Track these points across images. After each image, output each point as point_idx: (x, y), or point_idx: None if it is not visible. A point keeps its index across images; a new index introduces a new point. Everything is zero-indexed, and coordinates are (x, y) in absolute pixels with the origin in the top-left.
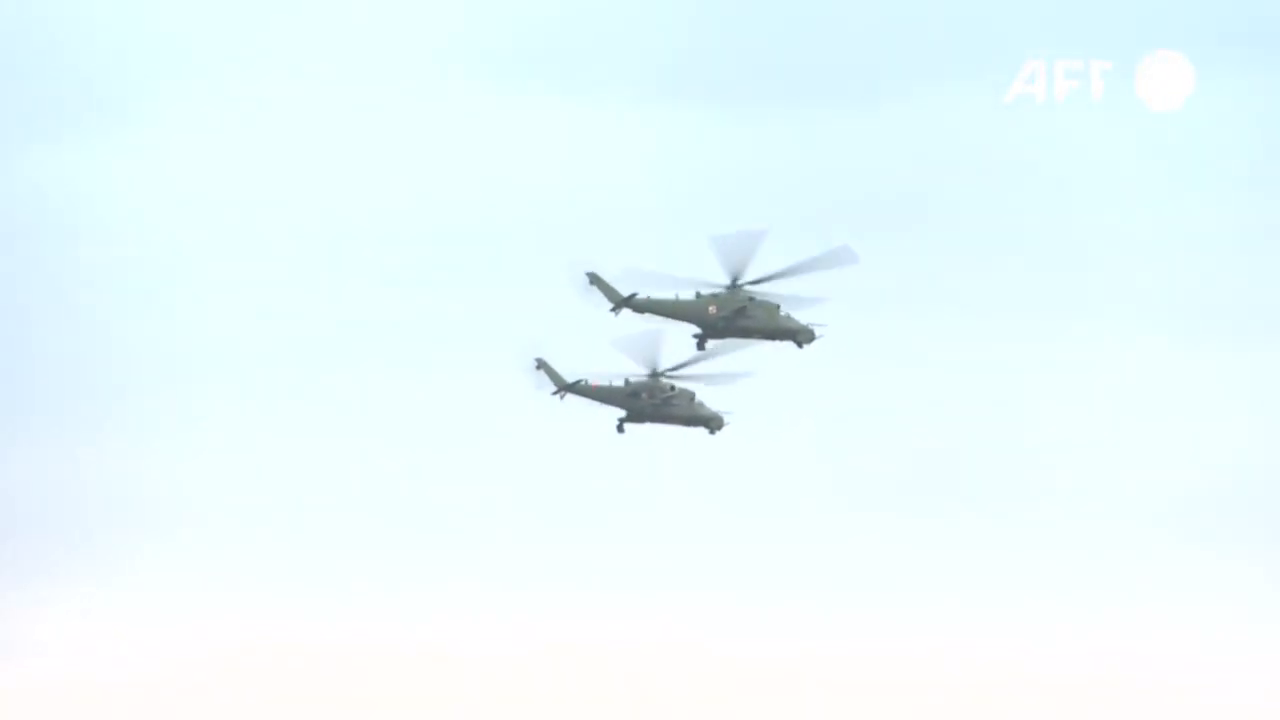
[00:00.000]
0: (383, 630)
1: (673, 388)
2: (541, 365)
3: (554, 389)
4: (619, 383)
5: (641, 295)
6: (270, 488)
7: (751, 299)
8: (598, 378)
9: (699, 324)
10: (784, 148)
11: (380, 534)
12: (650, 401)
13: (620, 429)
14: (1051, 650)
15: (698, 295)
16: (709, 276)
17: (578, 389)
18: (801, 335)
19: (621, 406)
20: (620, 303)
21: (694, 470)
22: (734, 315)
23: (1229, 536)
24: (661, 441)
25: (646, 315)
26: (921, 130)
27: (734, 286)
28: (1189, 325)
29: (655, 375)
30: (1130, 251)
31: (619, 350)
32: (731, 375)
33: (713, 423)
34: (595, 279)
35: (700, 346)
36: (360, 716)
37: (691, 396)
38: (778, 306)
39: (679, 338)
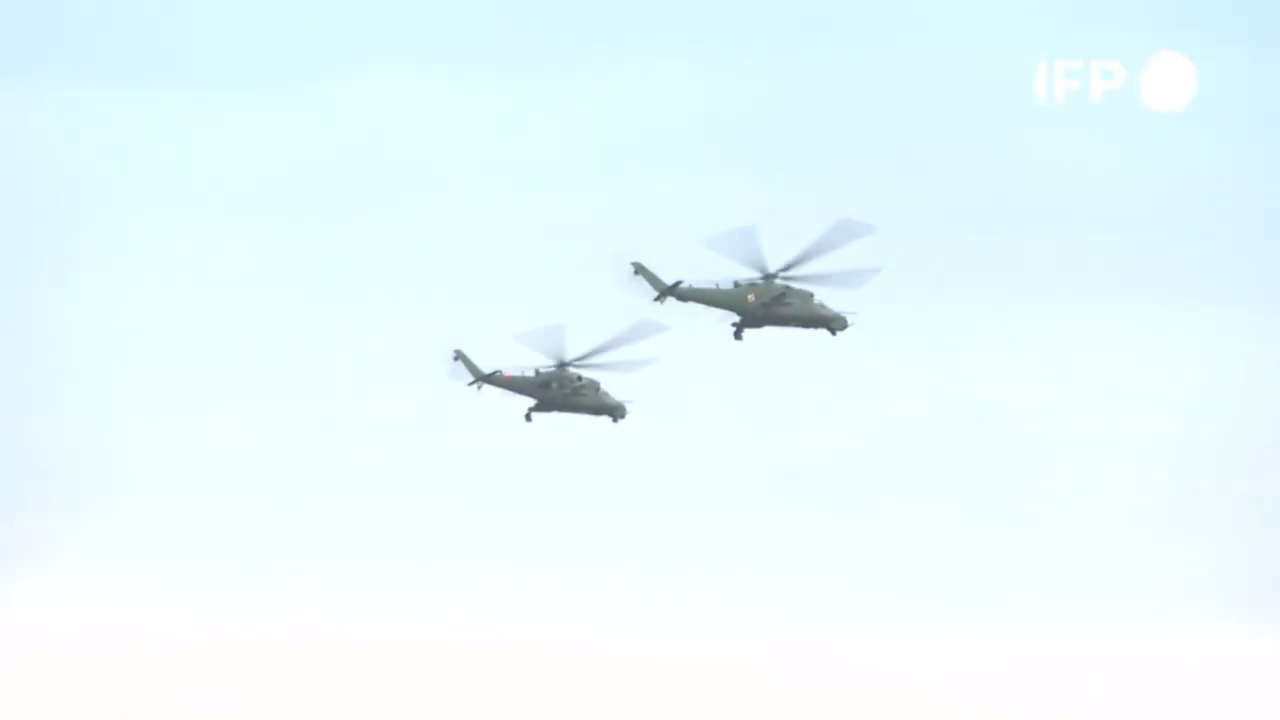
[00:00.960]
0: (294, 619)
1: (580, 378)
2: (459, 357)
3: (471, 379)
4: (530, 373)
5: (684, 284)
6: (176, 479)
7: (788, 287)
8: (511, 369)
9: (739, 312)
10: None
11: (302, 520)
12: (560, 391)
13: (528, 418)
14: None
15: (735, 285)
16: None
17: (493, 380)
18: (835, 323)
19: (533, 396)
20: (665, 291)
21: (602, 457)
22: (772, 303)
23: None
24: (570, 429)
25: (689, 304)
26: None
27: (768, 277)
28: (1185, 326)
29: (563, 366)
30: (1127, 253)
31: (521, 342)
32: (634, 364)
33: (617, 411)
34: (640, 268)
35: (737, 336)
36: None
37: (597, 386)
38: (812, 295)
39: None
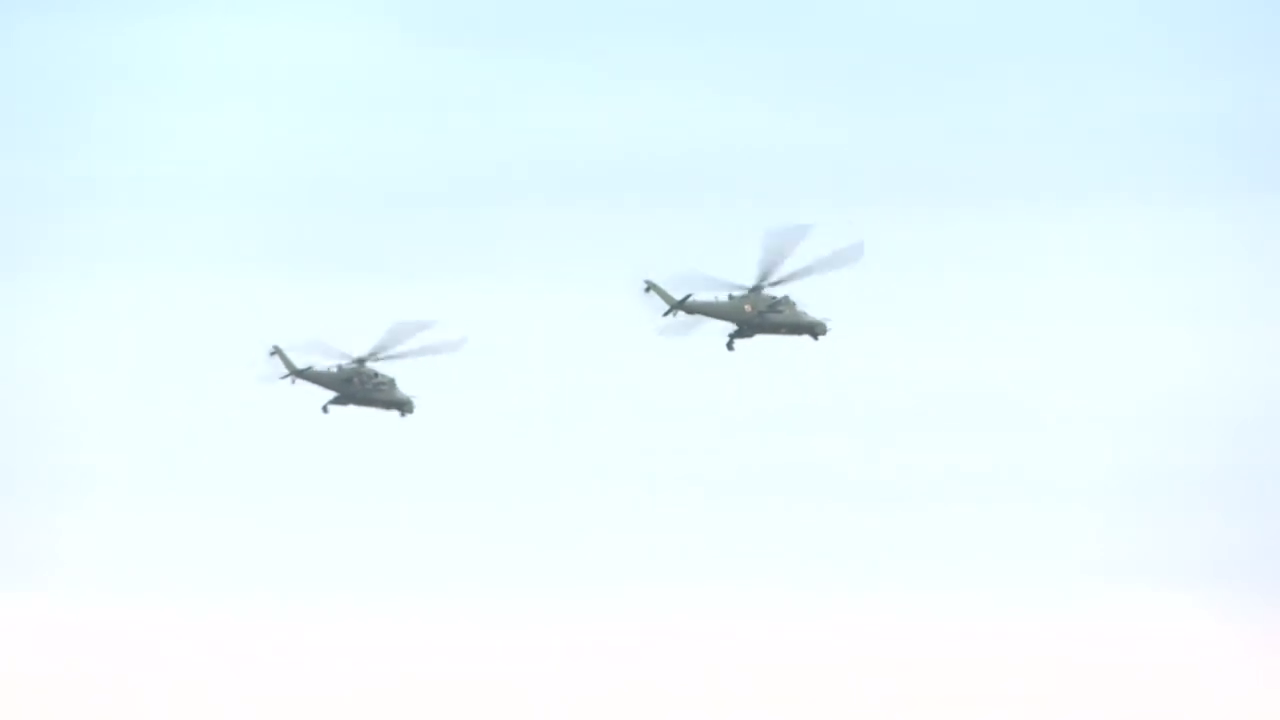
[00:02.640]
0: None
1: (377, 374)
2: (276, 352)
3: (285, 373)
4: (334, 369)
5: (692, 298)
6: None
7: (776, 297)
8: (321, 364)
9: (737, 322)
10: None
11: (113, 510)
12: (361, 387)
13: (325, 410)
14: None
15: (730, 297)
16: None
17: (305, 374)
18: (817, 328)
19: (337, 390)
20: (675, 305)
21: (391, 449)
22: (766, 311)
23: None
24: (362, 420)
25: (696, 316)
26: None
27: (755, 289)
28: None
29: (362, 362)
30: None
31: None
32: (433, 355)
33: (405, 406)
34: (652, 286)
35: (730, 347)
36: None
37: (393, 382)
38: (795, 303)
39: None
